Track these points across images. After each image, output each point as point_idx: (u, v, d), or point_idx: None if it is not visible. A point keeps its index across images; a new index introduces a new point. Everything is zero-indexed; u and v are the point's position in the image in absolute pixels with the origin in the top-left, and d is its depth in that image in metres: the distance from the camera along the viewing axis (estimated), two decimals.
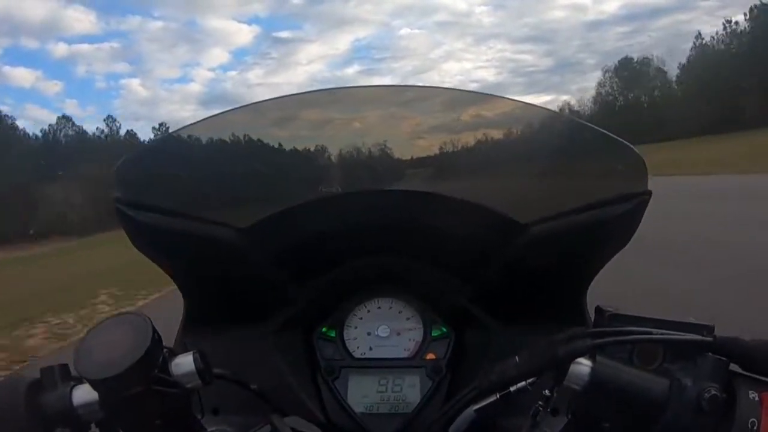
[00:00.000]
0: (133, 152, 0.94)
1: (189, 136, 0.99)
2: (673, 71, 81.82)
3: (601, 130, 0.91)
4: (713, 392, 0.59)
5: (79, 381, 0.67)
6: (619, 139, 0.89)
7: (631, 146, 0.89)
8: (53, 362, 0.69)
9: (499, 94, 1.03)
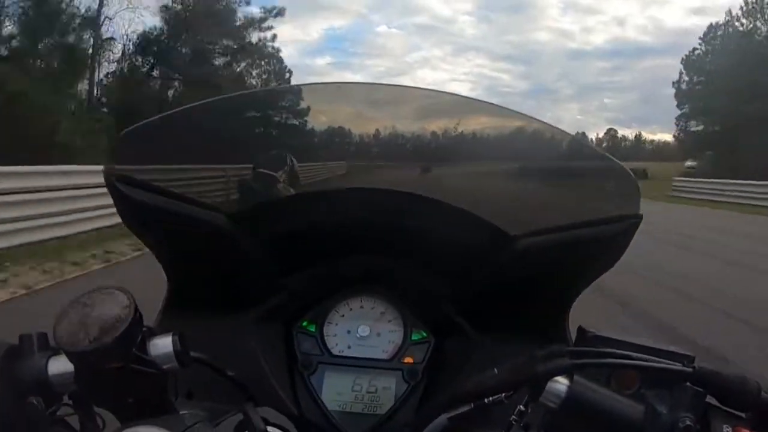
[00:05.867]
0: (131, 127, 0.93)
1: (189, 117, 0.98)
2: None
3: (598, 149, 0.92)
4: (688, 422, 0.60)
5: (57, 351, 0.67)
6: (615, 160, 0.90)
7: (627, 168, 0.89)
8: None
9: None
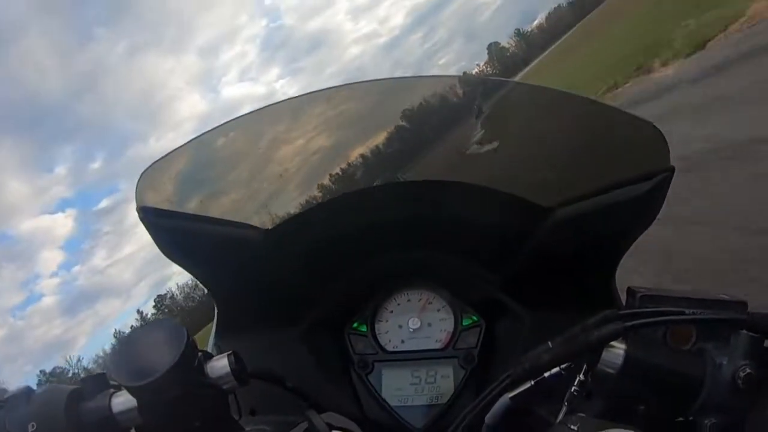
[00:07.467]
0: (154, 162, 0.95)
1: (209, 142, 0.99)
2: None
3: (619, 108, 0.90)
4: (748, 370, 0.59)
5: (118, 388, 0.68)
6: (638, 116, 0.88)
7: (652, 123, 0.87)
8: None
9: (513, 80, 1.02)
